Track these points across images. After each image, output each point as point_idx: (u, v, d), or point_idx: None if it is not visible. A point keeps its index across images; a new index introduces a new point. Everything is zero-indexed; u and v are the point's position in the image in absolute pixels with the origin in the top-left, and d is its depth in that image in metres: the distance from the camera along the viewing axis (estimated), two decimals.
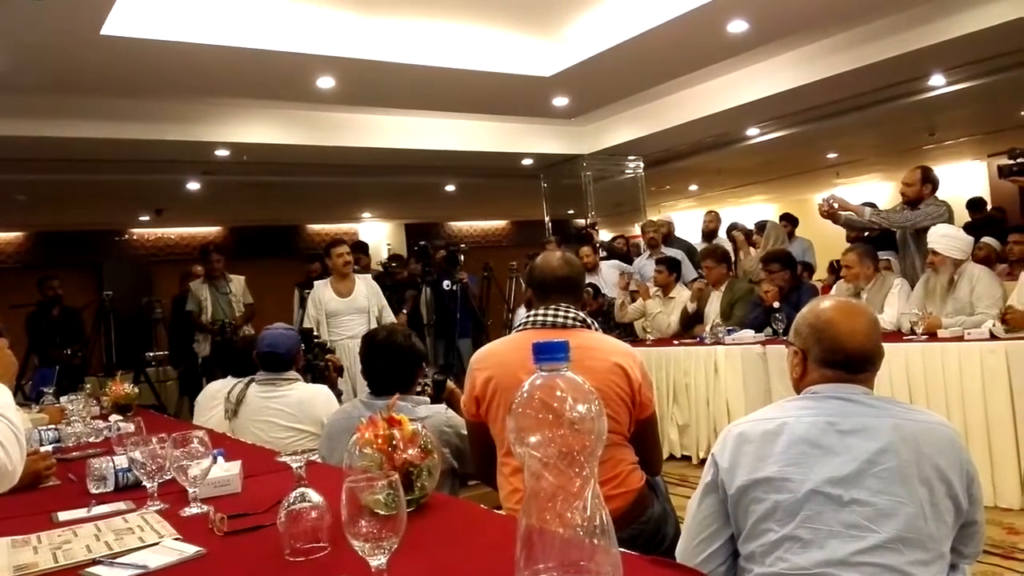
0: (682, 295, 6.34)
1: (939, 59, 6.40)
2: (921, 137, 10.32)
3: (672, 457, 5.51)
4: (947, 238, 4.59)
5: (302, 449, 1.47)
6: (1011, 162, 4.64)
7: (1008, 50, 6.13)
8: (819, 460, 1.56)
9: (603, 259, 7.52)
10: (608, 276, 6.94)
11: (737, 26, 5.78)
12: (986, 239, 6.78)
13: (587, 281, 6.49)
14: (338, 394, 3.97)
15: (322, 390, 3.28)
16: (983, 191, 11.31)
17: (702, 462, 5.16)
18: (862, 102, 7.50)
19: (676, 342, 5.81)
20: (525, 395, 0.86)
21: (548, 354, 0.87)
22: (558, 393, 0.85)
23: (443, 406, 2.54)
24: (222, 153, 7.42)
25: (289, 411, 3.10)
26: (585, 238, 8.01)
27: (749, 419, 1.73)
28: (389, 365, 2.49)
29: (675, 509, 3.97)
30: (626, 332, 6.57)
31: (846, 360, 1.65)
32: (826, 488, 1.53)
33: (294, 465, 1.39)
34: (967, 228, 7.58)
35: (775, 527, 1.56)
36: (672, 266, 6.42)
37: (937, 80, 7.07)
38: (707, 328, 5.70)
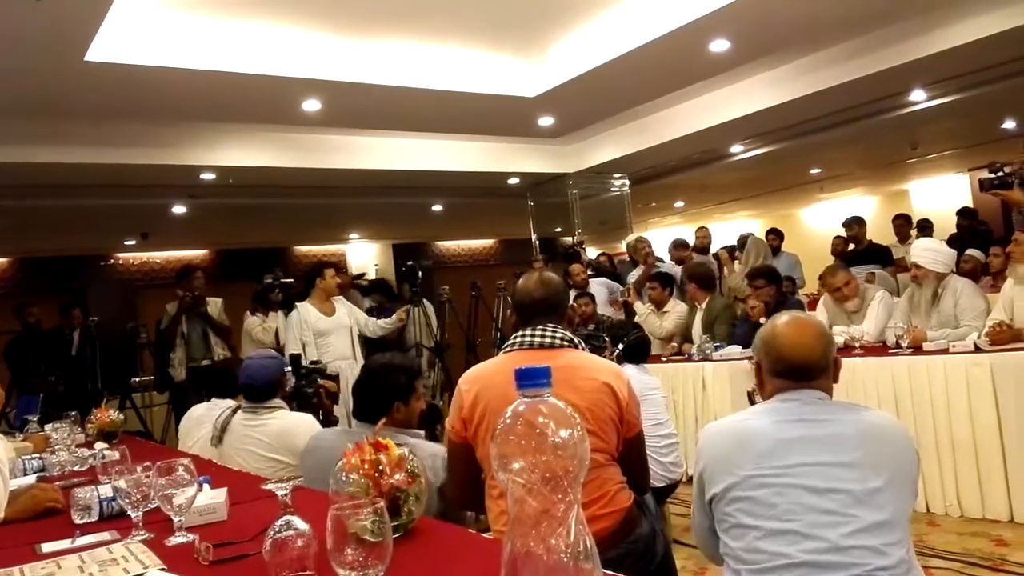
0: (676, 308, 6.41)
1: (919, 74, 6.47)
2: (903, 151, 10.41)
3: None
4: (929, 251, 4.63)
5: (287, 476, 1.47)
6: (992, 176, 4.70)
7: (986, 65, 6.20)
8: (791, 455, 1.69)
9: (590, 276, 7.54)
10: (596, 293, 6.96)
11: (719, 45, 5.83)
12: (971, 251, 6.84)
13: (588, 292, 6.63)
14: (334, 423, 3.87)
15: (304, 420, 3.19)
16: (966, 204, 11.41)
17: (691, 479, 5.17)
18: (844, 118, 7.55)
19: (664, 359, 5.83)
20: (508, 421, 0.86)
21: (530, 380, 0.87)
22: (540, 419, 0.85)
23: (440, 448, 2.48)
24: (208, 176, 7.40)
25: (267, 441, 3.05)
26: (573, 256, 8.03)
27: (721, 421, 1.94)
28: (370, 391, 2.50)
29: (666, 526, 3.98)
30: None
31: (790, 369, 1.81)
32: (802, 480, 1.66)
33: (279, 493, 1.38)
34: (953, 239, 7.67)
35: (758, 523, 1.67)
36: (665, 281, 6.50)
37: (918, 95, 7.14)
38: (694, 346, 5.73)
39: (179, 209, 8.74)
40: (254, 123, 6.87)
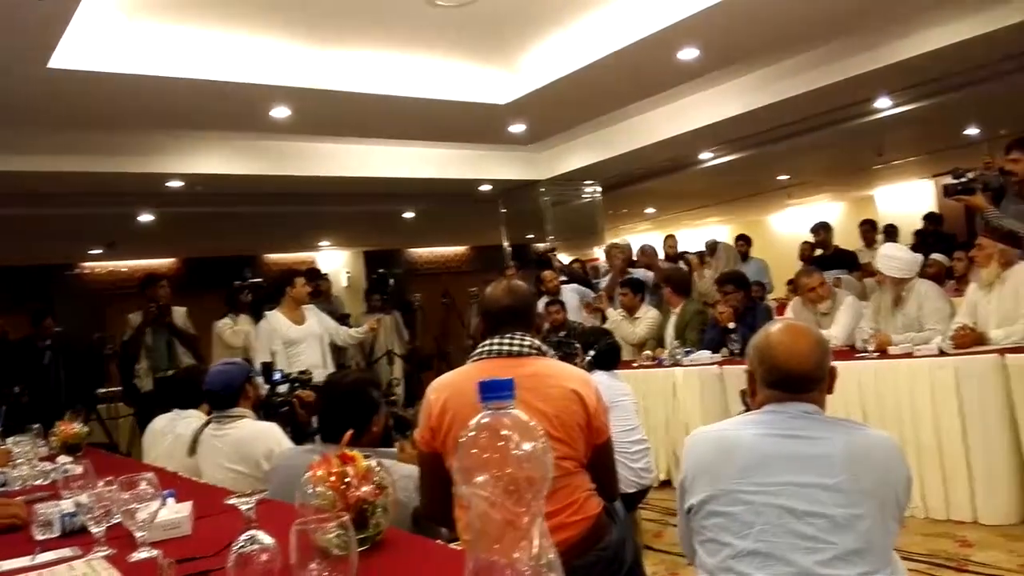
0: (648, 314, 6.44)
1: (884, 82, 6.57)
2: (869, 158, 10.55)
3: None
4: (886, 258, 4.75)
5: (251, 490, 1.45)
6: (955, 182, 4.75)
7: (949, 73, 6.32)
8: (774, 473, 1.62)
9: (563, 283, 7.56)
10: (568, 300, 6.98)
11: (688, 53, 5.88)
12: (935, 256, 6.96)
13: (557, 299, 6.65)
14: (311, 434, 3.77)
15: (265, 429, 3.10)
16: (931, 209, 11.61)
17: (662, 484, 5.20)
18: (811, 125, 7.64)
19: (635, 364, 5.85)
20: (471, 434, 0.86)
21: (494, 392, 0.87)
22: (504, 431, 0.85)
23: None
24: (175, 184, 7.32)
25: (227, 450, 2.99)
26: (545, 263, 8.05)
27: (708, 427, 1.85)
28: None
29: (637, 532, 3.98)
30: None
31: (783, 380, 1.73)
32: (782, 501, 1.59)
33: (243, 507, 1.36)
34: (917, 244, 7.79)
35: (734, 541, 1.61)
36: (636, 288, 6.54)
37: (883, 103, 7.25)
38: (666, 351, 5.77)
39: (146, 218, 8.64)
40: (222, 131, 6.81)
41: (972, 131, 9.32)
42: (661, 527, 4.44)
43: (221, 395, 3.10)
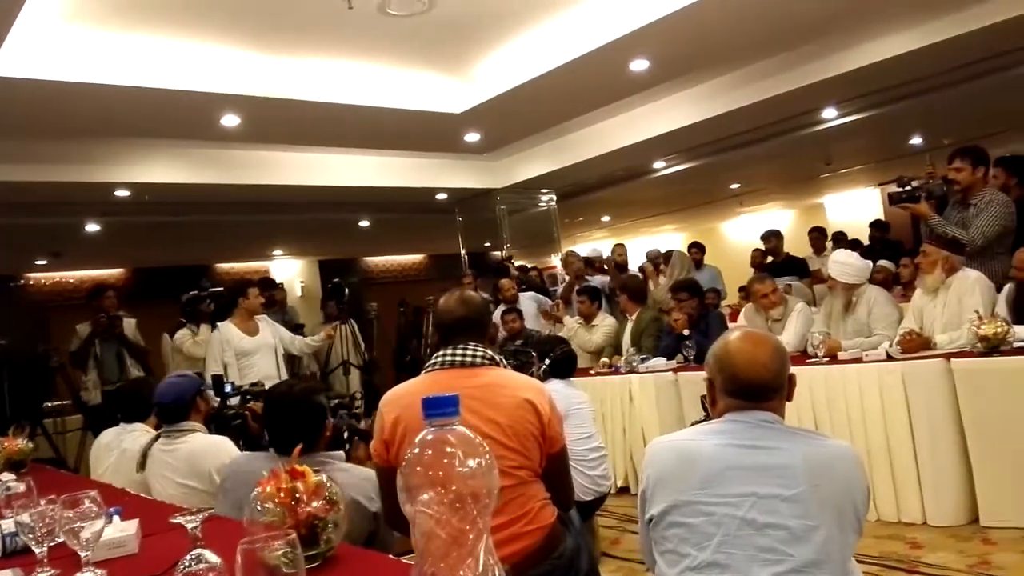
0: (605, 322, 6.48)
1: (831, 93, 6.71)
2: (817, 167, 10.76)
3: None
4: (838, 264, 4.83)
5: (196, 508, 1.42)
6: (900, 190, 4.87)
7: (894, 83, 6.48)
8: (735, 484, 1.61)
9: (521, 291, 7.56)
10: (526, 308, 6.99)
11: (639, 64, 5.94)
12: (883, 262, 7.11)
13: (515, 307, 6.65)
14: (265, 447, 3.69)
15: (216, 443, 3.03)
16: (878, 216, 11.88)
17: (620, 491, 5.22)
18: (761, 135, 7.78)
19: (592, 372, 5.88)
20: (415, 452, 0.85)
21: (438, 409, 0.86)
22: (448, 449, 0.84)
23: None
24: (122, 193, 7.16)
25: (177, 465, 2.92)
26: (503, 271, 8.05)
27: (669, 437, 1.83)
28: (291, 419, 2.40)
29: (595, 539, 3.99)
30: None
31: (742, 388, 1.72)
32: (742, 512, 1.58)
33: (189, 526, 1.34)
34: (866, 250, 7.95)
35: (693, 552, 1.60)
36: (593, 295, 6.57)
37: (830, 113, 7.41)
38: (622, 358, 5.81)
39: (92, 227, 8.45)
40: (170, 139, 6.68)
41: (916, 140, 9.57)
42: (619, 534, 4.46)
43: (172, 408, 3.03)
